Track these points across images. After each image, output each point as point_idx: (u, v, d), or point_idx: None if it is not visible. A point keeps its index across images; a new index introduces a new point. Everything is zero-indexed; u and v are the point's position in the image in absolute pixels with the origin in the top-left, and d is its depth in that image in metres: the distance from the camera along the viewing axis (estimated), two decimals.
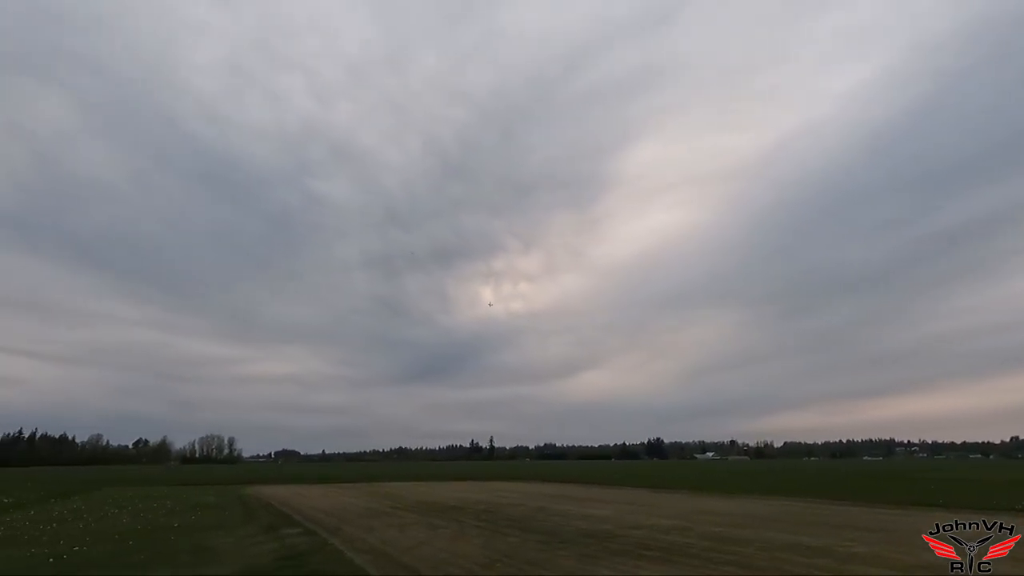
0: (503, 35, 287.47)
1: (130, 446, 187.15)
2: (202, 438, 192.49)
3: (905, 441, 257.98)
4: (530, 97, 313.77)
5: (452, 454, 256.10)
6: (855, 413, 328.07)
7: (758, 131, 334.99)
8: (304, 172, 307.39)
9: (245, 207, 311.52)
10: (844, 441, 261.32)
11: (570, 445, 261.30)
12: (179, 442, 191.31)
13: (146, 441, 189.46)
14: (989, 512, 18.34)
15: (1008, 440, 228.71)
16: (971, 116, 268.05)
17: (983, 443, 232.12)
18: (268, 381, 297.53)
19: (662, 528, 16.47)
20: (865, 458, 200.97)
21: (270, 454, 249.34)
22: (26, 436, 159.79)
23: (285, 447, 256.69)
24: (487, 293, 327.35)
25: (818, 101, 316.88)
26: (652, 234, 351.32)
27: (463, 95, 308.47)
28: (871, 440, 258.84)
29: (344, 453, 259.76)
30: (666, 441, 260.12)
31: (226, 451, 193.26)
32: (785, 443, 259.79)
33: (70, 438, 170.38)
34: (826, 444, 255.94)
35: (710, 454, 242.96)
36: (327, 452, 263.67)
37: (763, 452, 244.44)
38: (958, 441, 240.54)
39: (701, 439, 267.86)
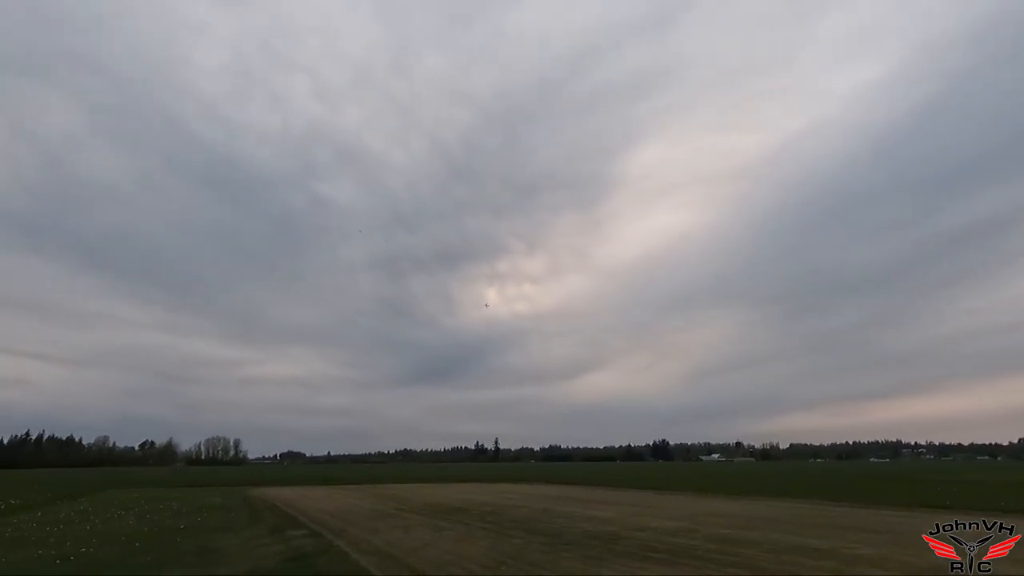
0: (507, 37, 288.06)
1: (136, 448, 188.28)
2: (208, 440, 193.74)
3: (912, 443, 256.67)
4: (534, 99, 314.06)
5: (457, 456, 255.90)
6: (861, 414, 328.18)
7: (763, 132, 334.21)
8: (309, 174, 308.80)
9: (250, 209, 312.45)
10: (850, 443, 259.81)
11: (575, 447, 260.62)
12: (185, 444, 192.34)
13: (152, 443, 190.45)
14: (997, 514, 18.19)
15: (1016, 441, 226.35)
16: (976, 117, 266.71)
17: (991, 444, 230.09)
18: (273, 383, 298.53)
19: (667, 530, 16.42)
20: (872, 460, 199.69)
21: (276, 456, 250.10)
22: (33, 438, 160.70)
23: (291, 449, 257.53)
24: (491, 295, 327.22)
25: (822, 102, 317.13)
26: (656, 235, 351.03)
27: (467, 97, 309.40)
28: (878, 442, 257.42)
29: (349, 455, 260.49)
30: (671, 443, 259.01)
31: (232, 453, 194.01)
32: (791, 445, 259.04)
33: (77, 440, 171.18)
34: (832, 446, 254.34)
35: (716, 456, 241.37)
36: (332, 454, 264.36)
37: (769, 454, 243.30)
38: (965, 443, 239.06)
39: (707, 441, 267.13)
